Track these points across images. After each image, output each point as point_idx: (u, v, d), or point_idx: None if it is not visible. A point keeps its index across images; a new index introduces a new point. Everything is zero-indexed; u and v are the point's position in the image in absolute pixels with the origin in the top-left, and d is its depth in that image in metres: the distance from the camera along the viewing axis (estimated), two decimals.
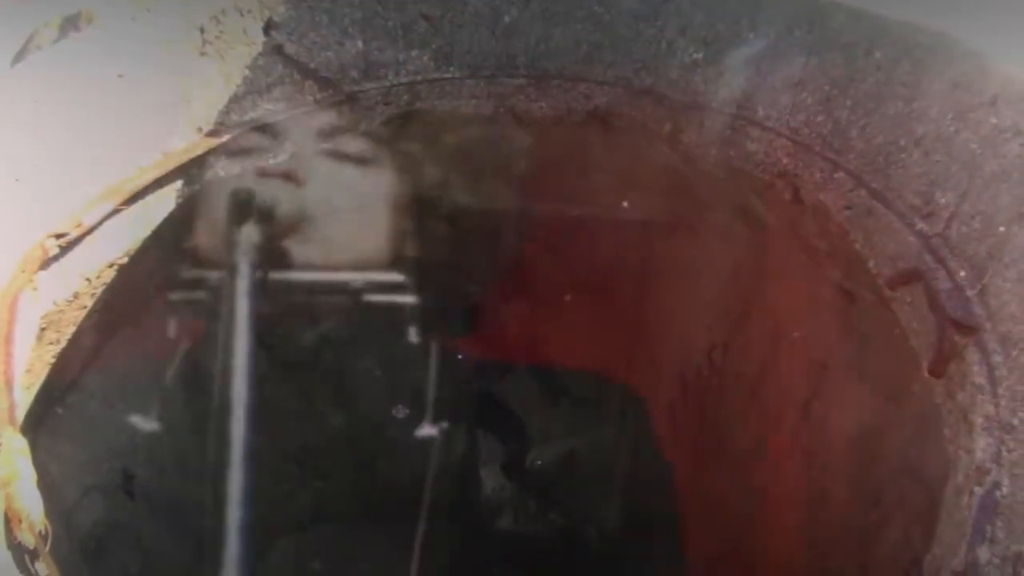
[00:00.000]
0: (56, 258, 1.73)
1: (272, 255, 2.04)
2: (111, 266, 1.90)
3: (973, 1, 1.89)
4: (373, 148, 2.21)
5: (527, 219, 2.52)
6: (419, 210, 2.22)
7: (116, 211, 1.83)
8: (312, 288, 2.07)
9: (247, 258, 1.92)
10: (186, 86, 1.97)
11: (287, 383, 2.35)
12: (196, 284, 2.28)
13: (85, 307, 1.89)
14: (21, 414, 1.58)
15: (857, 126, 1.88)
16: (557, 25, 2.08)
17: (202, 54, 1.98)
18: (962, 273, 1.61)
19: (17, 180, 1.66)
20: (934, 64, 1.77)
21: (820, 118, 1.92)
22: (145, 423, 2.34)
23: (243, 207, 2.04)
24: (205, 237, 2.16)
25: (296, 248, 2.06)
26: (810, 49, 1.92)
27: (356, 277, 1.91)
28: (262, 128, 2.08)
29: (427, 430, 1.99)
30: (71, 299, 1.81)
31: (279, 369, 2.29)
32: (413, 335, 2.07)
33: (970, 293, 1.58)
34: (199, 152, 1.95)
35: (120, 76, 1.91)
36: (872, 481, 2.02)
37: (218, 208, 2.11)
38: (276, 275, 2.03)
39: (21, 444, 1.44)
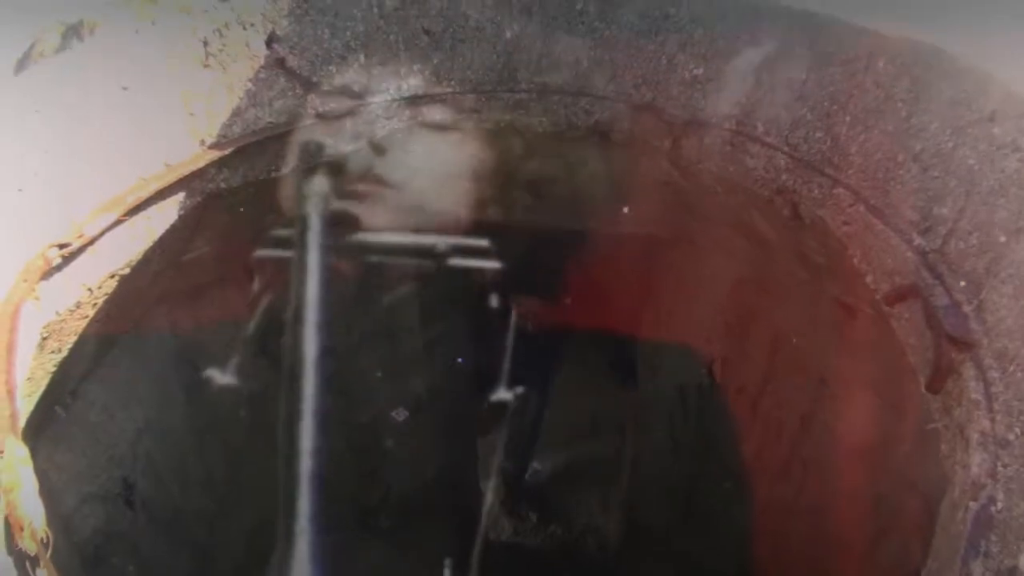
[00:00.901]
0: (58, 268, 1.74)
1: (342, 215, 2.04)
2: (112, 276, 1.91)
3: (971, 14, 1.89)
4: (456, 117, 2.21)
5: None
6: (503, 178, 2.21)
7: (118, 222, 1.84)
8: (390, 250, 2.05)
9: (317, 210, 1.93)
10: (189, 98, 1.98)
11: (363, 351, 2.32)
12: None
13: (87, 316, 1.90)
14: (22, 422, 1.58)
15: (856, 142, 1.89)
16: (558, 41, 2.09)
17: (205, 66, 2.00)
18: (961, 285, 1.61)
19: (20, 190, 1.68)
20: (933, 81, 1.78)
21: (819, 134, 1.93)
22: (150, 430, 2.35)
23: (312, 158, 2.05)
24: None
25: (372, 209, 2.05)
26: (810, 66, 1.92)
27: (438, 240, 1.90)
28: (349, 92, 2.12)
29: (502, 394, 2.00)
30: (73, 308, 1.82)
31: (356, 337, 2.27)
32: (494, 300, 2.07)
33: (967, 309, 1.59)
34: (201, 164, 1.97)
35: (124, 88, 1.92)
36: (871, 494, 2.02)
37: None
38: (353, 237, 2.02)
39: (23, 453, 1.45)
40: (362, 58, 2.07)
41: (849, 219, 1.89)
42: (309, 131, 2.10)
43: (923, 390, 1.65)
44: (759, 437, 2.63)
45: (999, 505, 1.32)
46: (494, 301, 2.11)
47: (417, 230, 2.07)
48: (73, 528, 2.05)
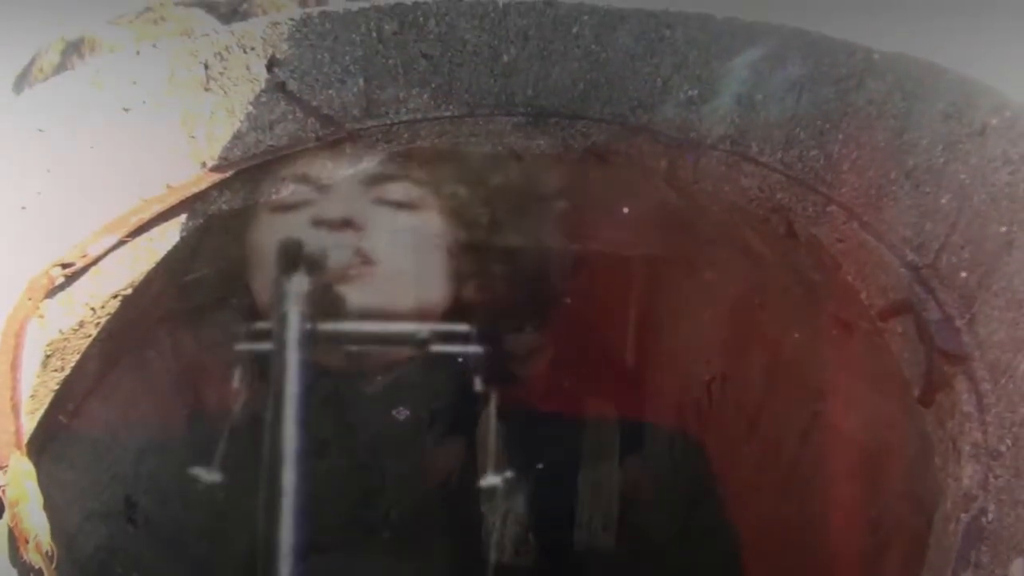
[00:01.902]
0: (62, 287, 1.76)
1: (326, 304, 2.06)
2: (115, 296, 1.93)
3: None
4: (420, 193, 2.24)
5: (569, 257, 2.53)
6: (473, 252, 2.24)
7: (121, 242, 1.87)
8: (366, 339, 2.07)
9: (297, 308, 1.94)
10: (190, 121, 2.01)
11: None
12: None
13: (90, 336, 1.92)
14: (25, 439, 1.60)
15: (849, 159, 1.91)
16: (555, 64, 2.12)
17: (206, 90, 2.03)
18: (953, 299, 1.63)
19: (24, 208, 1.70)
20: (924, 95, 1.79)
21: (813, 152, 1.95)
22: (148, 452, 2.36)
23: (292, 257, 2.06)
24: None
25: (351, 296, 2.07)
26: (803, 84, 1.95)
27: (417, 327, 1.92)
28: (305, 180, 2.16)
29: (490, 480, 2.01)
30: (76, 327, 1.84)
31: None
32: (476, 384, 2.09)
33: (959, 323, 1.60)
34: (203, 187, 1.99)
35: (126, 110, 1.95)
36: (871, 509, 2.02)
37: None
38: (328, 326, 2.04)
39: (28, 467, 1.47)
40: (361, 82, 2.10)
41: (843, 236, 1.91)
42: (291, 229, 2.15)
43: (916, 403, 1.66)
44: (757, 455, 2.64)
45: (990, 516, 1.33)
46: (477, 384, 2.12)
47: (401, 310, 2.09)
48: (76, 545, 2.06)
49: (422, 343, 1.96)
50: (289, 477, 1.67)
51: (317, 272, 2.05)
